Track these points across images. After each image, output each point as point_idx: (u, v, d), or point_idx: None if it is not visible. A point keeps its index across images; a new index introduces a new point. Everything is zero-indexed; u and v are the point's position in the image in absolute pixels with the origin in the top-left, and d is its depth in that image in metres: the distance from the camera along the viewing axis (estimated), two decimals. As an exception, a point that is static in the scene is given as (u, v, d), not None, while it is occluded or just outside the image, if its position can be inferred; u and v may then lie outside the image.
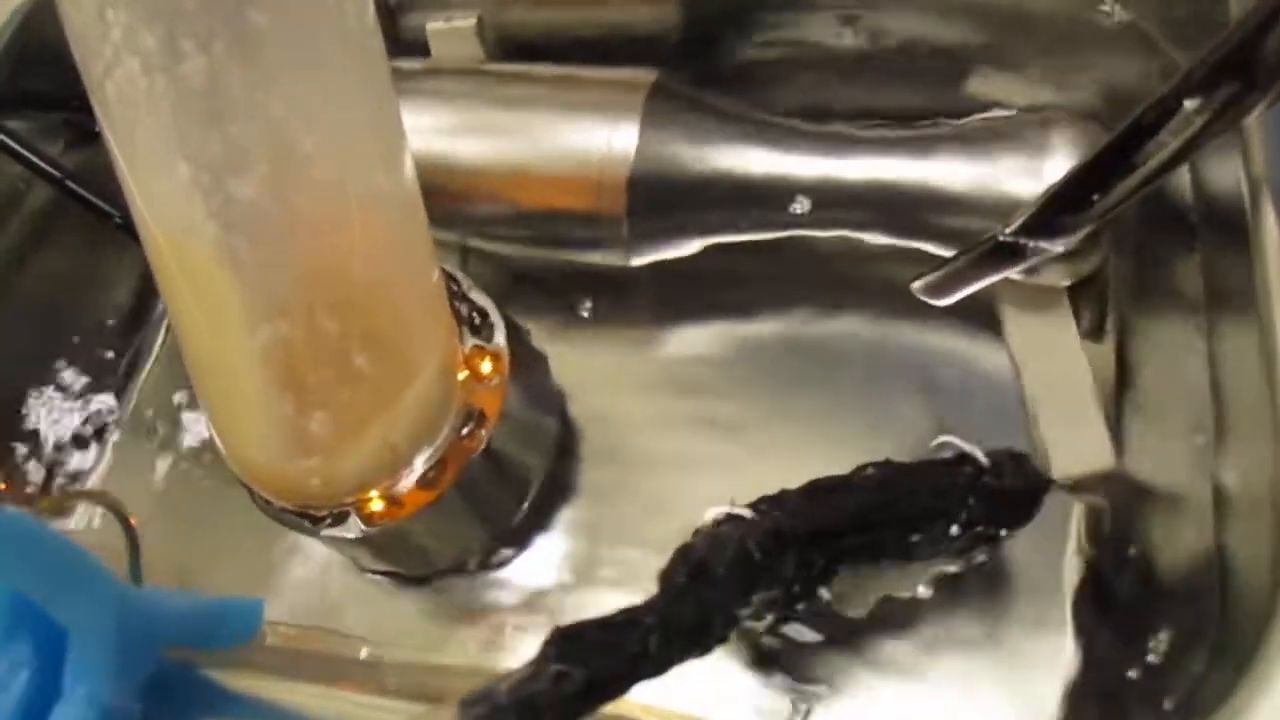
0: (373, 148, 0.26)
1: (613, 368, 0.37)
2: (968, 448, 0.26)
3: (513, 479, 0.33)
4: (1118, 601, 0.29)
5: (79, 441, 0.38)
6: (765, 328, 0.37)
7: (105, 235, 0.34)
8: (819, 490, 0.26)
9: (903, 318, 0.35)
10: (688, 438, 0.35)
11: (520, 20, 0.39)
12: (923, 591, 0.28)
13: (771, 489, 0.27)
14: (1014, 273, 0.30)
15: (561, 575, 0.34)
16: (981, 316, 0.34)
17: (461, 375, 0.31)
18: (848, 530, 0.25)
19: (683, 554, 0.24)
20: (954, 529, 0.25)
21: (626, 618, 0.21)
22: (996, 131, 0.33)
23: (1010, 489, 0.26)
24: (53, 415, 0.37)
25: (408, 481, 0.29)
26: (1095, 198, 0.27)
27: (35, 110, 0.36)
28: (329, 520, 0.30)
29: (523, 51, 0.39)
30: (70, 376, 0.38)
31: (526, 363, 0.33)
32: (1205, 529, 0.26)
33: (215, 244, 0.25)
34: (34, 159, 0.31)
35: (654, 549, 0.25)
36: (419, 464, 0.29)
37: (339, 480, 0.28)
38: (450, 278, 0.33)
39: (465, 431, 0.30)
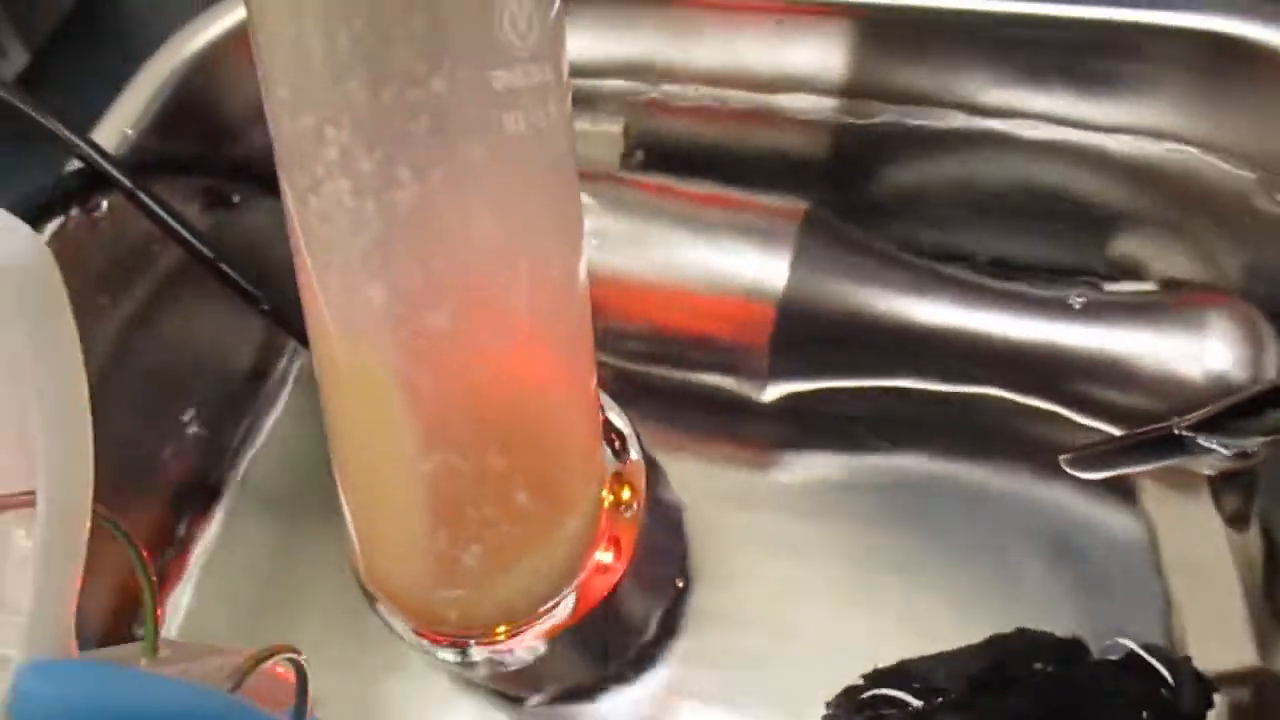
0: (563, 282, 0.25)
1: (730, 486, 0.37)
2: (1150, 658, 0.25)
3: (638, 611, 0.32)
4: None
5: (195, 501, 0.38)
6: (894, 462, 0.36)
7: (226, 303, 0.34)
8: (989, 685, 0.25)
9: (1038, 476, 0.35)
10: (803, 567, 0.35)
11: (667, 130, 0.38)
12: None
13: (887, 636, 0.27)
14: (1172, 463, 0.29)
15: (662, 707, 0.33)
16: (1121, 484, 0.33)
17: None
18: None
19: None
20: (1124, 739, 0.25)
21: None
22: (1156, 307, 0.33)
23: (1188, 712, 0.25)
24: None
25: (545, 621, 0.28)
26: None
27: (177, 174, 0.35)
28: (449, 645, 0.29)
29: (662, 165, 0.39)
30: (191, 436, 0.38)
31: (655, 489, 0.32)
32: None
33: (399, 371, 0.24)
34: (190, 238, 0.30)
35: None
36: (560, 601, 0.28)
37: (479, 615, 0.27)
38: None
39: (604, 565, 0.29)
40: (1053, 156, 0.35)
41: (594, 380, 0.28)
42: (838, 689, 0.28)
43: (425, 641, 0.28)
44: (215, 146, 0.36)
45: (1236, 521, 0.32)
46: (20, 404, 0.20)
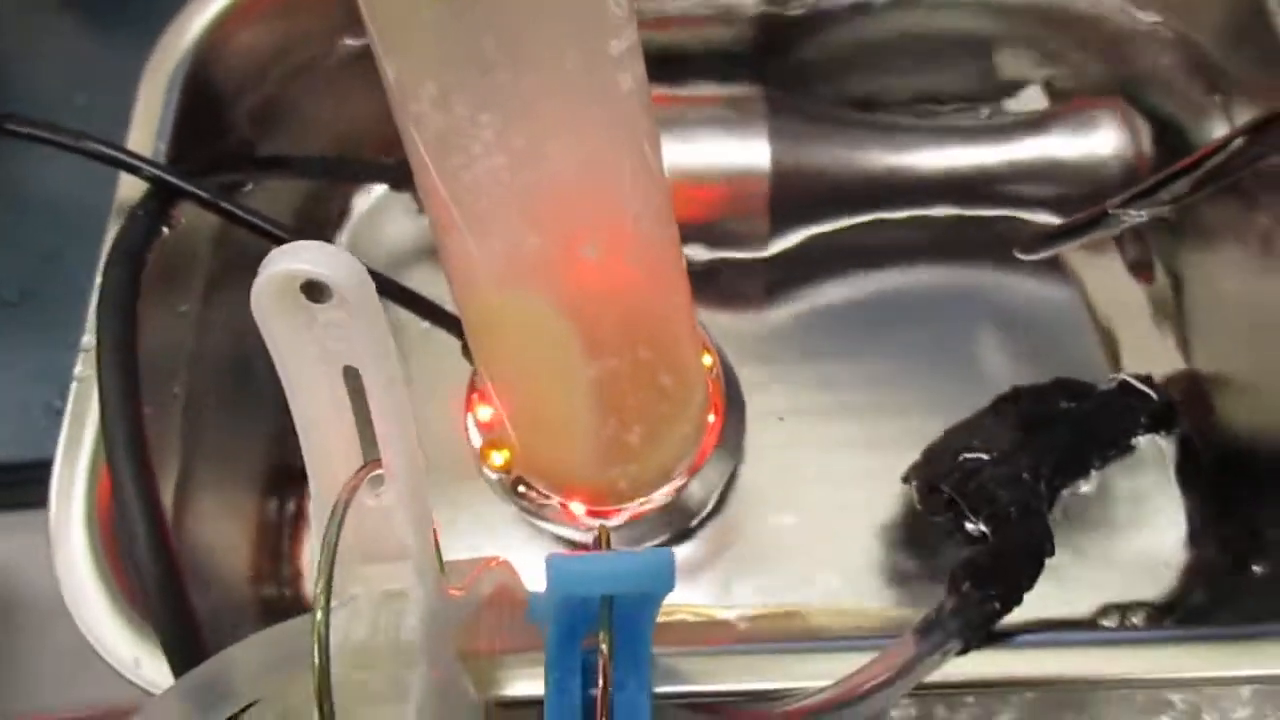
0: (665, 200, 0.31)
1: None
2: (1138, 383, 0.35)
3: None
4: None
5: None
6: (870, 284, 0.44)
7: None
8: (1031, 428, 0.33)
9: (986, 272, 0.43)
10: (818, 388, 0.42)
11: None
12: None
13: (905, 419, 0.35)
14: (1105, 236, 0.38)
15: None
16: (1053, 264, 0.42)
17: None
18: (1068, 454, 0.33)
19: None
20: (1133, 442, 0.34)
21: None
22: (1056, 116, 0.41)
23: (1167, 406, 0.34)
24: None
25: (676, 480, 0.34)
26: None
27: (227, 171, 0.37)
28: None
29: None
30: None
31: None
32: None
33: (561, 303, 0.29)
34: (278, 232, 0.33)
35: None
36: (696, 456, 0.34)
37: (645, 480, 0.33)
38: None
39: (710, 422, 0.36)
40: (943, 6, 0.42)
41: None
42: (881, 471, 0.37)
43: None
44: (236, 131, 0.38)
45: (1140, 268, 0.42)
46: (343, 397, 0.24)
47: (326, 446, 0.24)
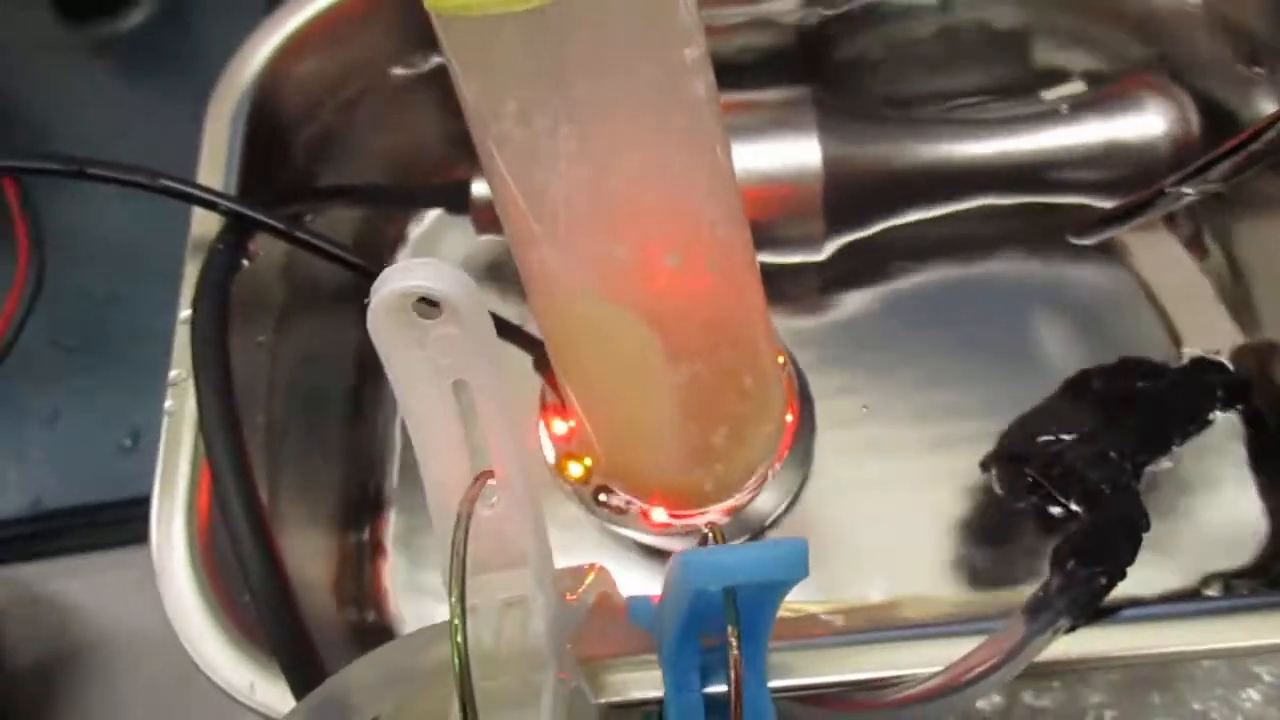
0: (738, 204, 0.31)
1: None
2: (1213, 358, 0.35)
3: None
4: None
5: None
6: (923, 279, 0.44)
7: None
8: (1108, 409, 0.34)
9: (1038, 260, 0.43)
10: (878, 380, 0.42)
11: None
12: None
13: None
14: (1158, 215, 0.38)
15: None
16: (1105, 249, 0.43)
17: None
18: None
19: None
20: (1211, 416, 0.34)
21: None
22: (1101, 100, 0.41)
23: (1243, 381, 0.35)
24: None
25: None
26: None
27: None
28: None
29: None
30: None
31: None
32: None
33: (646, 309, 0.30)
34: (352, 259, 0.34)
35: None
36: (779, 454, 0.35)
37: (731, 481, 0.34)
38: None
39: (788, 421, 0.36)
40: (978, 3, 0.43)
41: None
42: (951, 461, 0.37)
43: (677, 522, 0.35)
44: (296, 163, 0.39)
45: (1194, 245, 0.42)
46: (454, 410, 0.24)
47: (441, 459, 0.25)
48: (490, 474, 0.25)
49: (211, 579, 0.30)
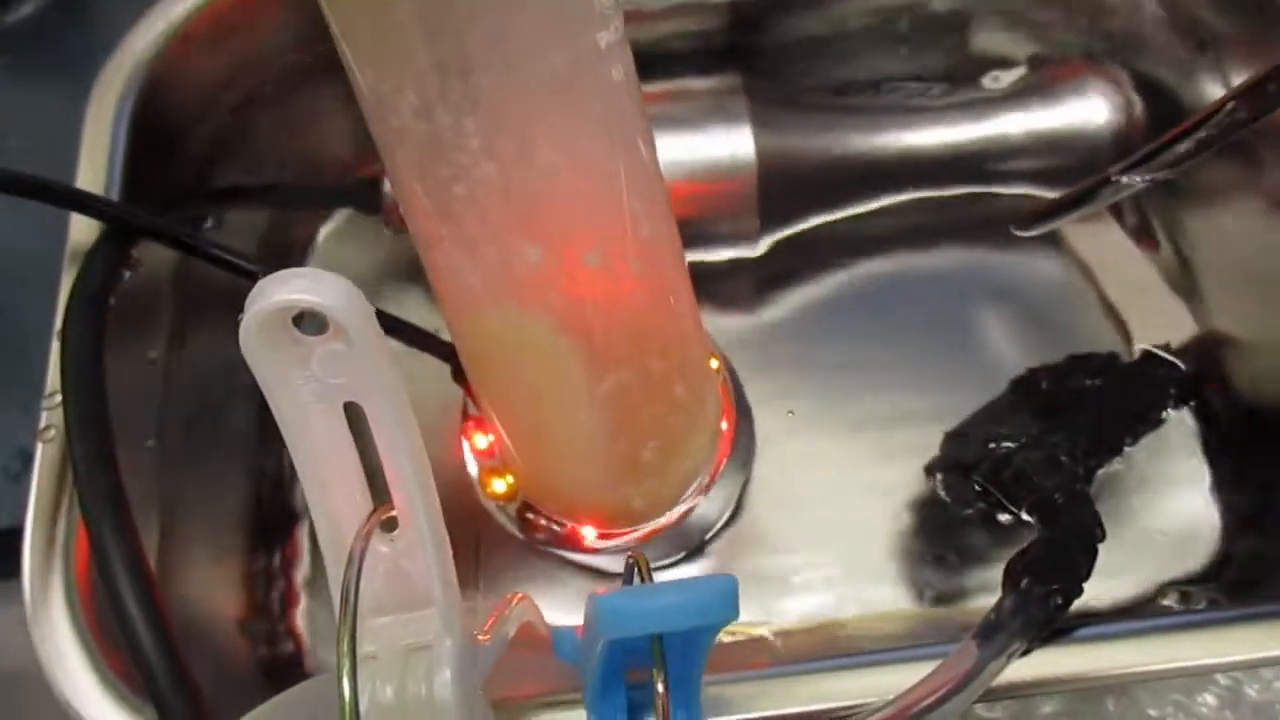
0: (664, 198, 0.29)
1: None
2: (1165, 355, 0.33)
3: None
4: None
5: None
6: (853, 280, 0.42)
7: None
8: (1054, 412, 0.32)
9: (977, 250, 0.42)
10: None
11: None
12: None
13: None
14: (1104, 205, 0.37)
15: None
16: (1047, 239, 0.41)
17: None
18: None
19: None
20: (1164, 414, 0.32)
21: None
22: (1043, 85, 0.40)
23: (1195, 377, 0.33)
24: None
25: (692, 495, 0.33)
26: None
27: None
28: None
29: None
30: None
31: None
32: None
33: (565, 315, 0.27)
34: (245, 264, 0.31)
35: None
36: (714, 467, 0.33)
37: (662, 498, 0.31)
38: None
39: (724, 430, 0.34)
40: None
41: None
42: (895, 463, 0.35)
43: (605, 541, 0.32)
44: (190, 164, 0.36)
45: (1141, 235, 0.41)
46: (345, 436, 0.22)
47: (331, 491, 0.22)
48: (389, 506, 0.22)
49: (89, 619, 0.28)
